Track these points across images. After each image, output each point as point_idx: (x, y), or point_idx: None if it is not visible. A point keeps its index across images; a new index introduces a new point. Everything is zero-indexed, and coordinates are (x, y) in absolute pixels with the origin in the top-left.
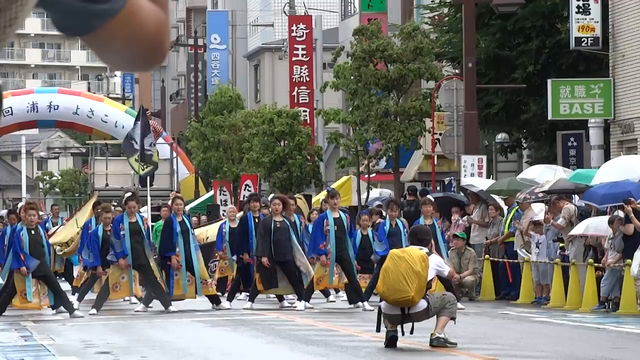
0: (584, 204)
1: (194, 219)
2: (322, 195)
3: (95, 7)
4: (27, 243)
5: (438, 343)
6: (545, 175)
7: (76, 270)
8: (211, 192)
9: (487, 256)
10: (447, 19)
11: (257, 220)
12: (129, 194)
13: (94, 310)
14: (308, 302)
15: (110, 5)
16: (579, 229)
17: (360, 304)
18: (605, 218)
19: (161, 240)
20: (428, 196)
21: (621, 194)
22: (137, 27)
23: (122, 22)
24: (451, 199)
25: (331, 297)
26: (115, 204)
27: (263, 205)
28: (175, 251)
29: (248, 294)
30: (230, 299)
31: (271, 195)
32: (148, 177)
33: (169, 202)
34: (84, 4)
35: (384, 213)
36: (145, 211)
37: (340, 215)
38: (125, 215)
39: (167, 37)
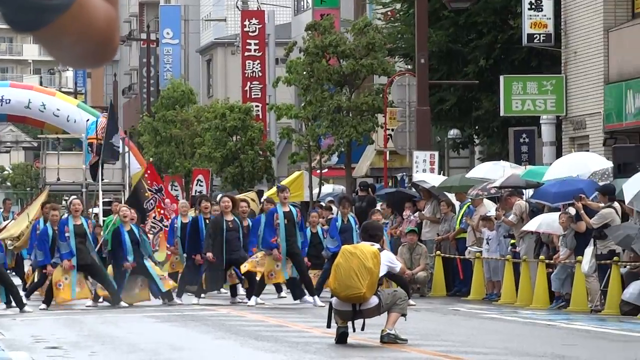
0: (534, 201)
1: None
2: (274, 190)
3: (46, 2)
4: None
5: (389, 339)
6: (494, 172)
7: (27, 265)
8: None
9: (438, 252)
10: (400, 14)
11: (207, 221)
12: (74, 196)
13: (44, 306)
14: (258, 297)
15: (62, 0)
16: (532, 225)
17: (306, 298)
18: (558, 215)
19: (112, 247)
20: (377, 207)
21: (573, 191)
22: (87, 22)
23: (72, 17)
24: (404, 194)
25: (282, 293)
26: (67, 198)
27: (214, 203)
28: (128, 259)
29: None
30: (179, 294)
31: (219, 195)
32: (100, 171)
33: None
34: None
35: (334, 209)
36: (97, 207)
37: (290, 209)
38: (70, 217)
39: (117, 33)
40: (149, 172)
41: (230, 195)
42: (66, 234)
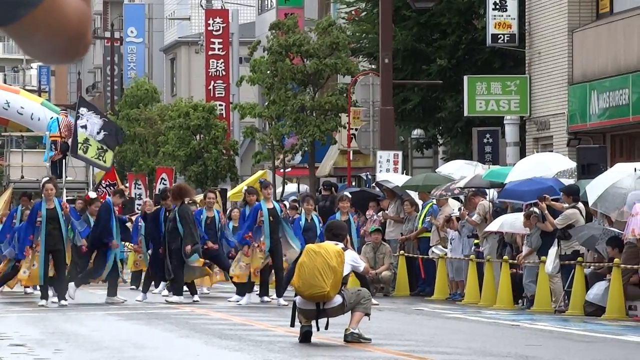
0: (498, 201)
1: None
2: (237, 189)
3: None
4: None
5: (352, 338)
6: (464, 170)
7: None
8: (126, 185)
9: (402, 252)
10: (364, 14)
11: (167, 214)
12: (47, 177)
13: (55, 299)
14: (244, 296)
15: None
16: (494, 226)
17: (265, 298)
18: (521, 215)
19: (99, 228)
20: (345, 192)
21: (543, 189)
22: (60, 16)
23: (45, 12)
24: (368, 194)
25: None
26: (31, 195)
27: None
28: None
29: (163, 285)
30: (145, 290)
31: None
32: (64, 169)
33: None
34: None
35: (300, 208)
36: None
37: (274, 205)
38: (43, 201)
39: (89, 29)
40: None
41: (176, 187)
42: (38, 219)
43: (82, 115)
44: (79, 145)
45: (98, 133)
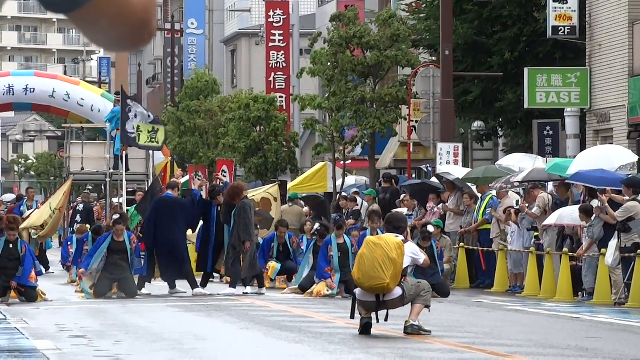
0: (555, 192)
1: None
2: (297, 181)
3: None
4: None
5: (412, 330)
6: (523, 163)
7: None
8: (186, 177)
9: (461, 244)
10: (424, 6)
11: (219, 208)
12: (117, 216)
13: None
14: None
15: None
16: (551, 219)
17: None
18: (578, 208)
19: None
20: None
21: (615, 180)
22: (123, 3)
23: None
24: (428, 186)
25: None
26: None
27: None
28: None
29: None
30: (204, 284)
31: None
32: (124, 161)
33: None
34: None
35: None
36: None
37: (344, 240)
38: (112, 233)
39: (154, 16)
40: (162, 174)
41: (228, 190)
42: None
43: (132, 106)
44: (135, 135)
45: (149, 117)
